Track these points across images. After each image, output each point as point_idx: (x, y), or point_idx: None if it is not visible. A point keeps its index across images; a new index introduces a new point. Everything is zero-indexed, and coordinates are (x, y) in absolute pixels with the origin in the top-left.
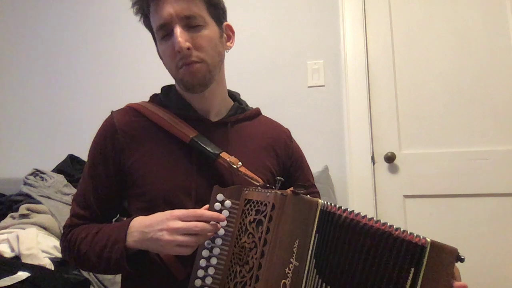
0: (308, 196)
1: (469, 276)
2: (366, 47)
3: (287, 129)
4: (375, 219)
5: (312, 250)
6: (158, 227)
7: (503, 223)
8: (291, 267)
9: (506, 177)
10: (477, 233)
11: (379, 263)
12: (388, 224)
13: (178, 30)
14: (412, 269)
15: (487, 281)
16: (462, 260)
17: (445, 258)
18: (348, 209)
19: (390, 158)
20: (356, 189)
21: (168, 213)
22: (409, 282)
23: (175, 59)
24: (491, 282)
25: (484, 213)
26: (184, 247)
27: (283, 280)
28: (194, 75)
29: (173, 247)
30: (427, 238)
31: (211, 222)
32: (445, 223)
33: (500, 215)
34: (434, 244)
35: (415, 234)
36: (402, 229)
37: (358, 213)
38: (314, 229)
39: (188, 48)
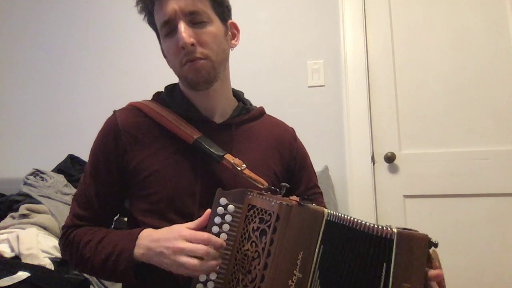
0: (313, 205)
1: (469, 275)
2: (366, 47)
3: (291, 128)
4: (376, 221)
5: (316, 261)
6: (165, 244)
7: (503, 223)
8: (294, 279)
9: (506, 177)
10: (477, 233)
11: (362, 264)
12: (367, 223)
13: (182, 26)
14: (384, 264)
15: (486, 280)
16: (435, 246)
17: (415, 246)
18: (354, 218)
19: (390, 158)
20: (356, 189)
21: (176, 231)
22: (383, 277)
23: (179, 56)
24: (491, 282)
25: (484, 213)
26: (186, 269)
27: None
28: (199, 71)
29: (176, 267)
30: (394, 230)
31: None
32: (445, 223)
33: (500, 215)
34: (401, 234)
35: (384, 227)
36: (375, 225)
37: (362, 221)
38: (319, 241)
39: (192, 44)
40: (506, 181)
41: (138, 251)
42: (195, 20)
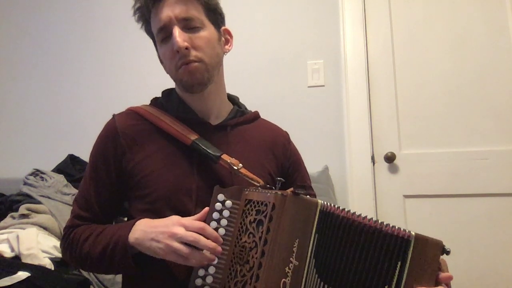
0: (308, 196)
1: (469, 275)
2: (366, 47)
3: (285, 131)
4: (373, 218)
5: (311, 249)
6: (162, 229)
7: (503, 223)
8: (291, 266)
9: (506, 177)
10: (477, 233)
11: (371, 259)
12: (379, 221)
13: (176, 31)
14: (399, 263)
15: (487, 281)
16: (447, 253)
17: (430, 251)
18: (347, 209)
19: (390, 158)
20: (356, 189)
21: (175, 219)
22: (396, 276)
23: (174, 60)
24: (491, 282)
25: (484, 213)
26: (178, 255)
27: (283, 279)
28: (193, 74)
29: (168, 252)
30: (411, 232)
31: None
32: (445, 223)
33: (500, 215)
34: (418, 237)
35: (401, 228)
36: (390, 225)
37: (354, 213)
38: (314, 229)
39: (187, 48)
40: (506, 181)
41: (133, 236)
42: (189, 26)
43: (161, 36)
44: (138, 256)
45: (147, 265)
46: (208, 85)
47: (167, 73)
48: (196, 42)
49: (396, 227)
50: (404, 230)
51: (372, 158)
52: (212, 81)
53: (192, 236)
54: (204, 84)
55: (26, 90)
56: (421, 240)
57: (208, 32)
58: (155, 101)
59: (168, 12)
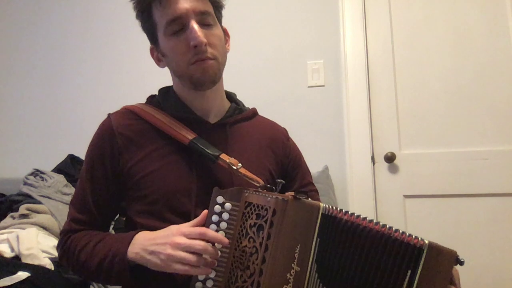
0: (309, 199)
1: (469, 276)
2: (366, 47)
3: (283, 128)
4: (375, 220)
5: (313, 254)
6: (162, 241)
7: (503, 223)
8: (293, 272)
9: (506, 177)
10: (477, 233)
11: (378, 265)
12: (388, 226)
13: (195, 25)
14: (409, 271)
15: (487, 281)
16: (461, 263)
17: (442, 260)
18: (349, 212)
19: (390, 158)
20: (356, 189)
21: (174, 228)
22: (405, 284)
23: (187, 55)
24: (491, 282)
25: (484, 213)
26: (182, 265)
27: (285, 286)
28: (207, 71)
29: (172, 263)
30: (425, 240)
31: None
32: (445, 223)
33: (500, 215)
34: (432, 246)
35: (413, 236)
36: (401, 231)
37: (359, 216)
38: (316, 234)
39: (205, 44)
40: (506, 181)
41: (132, 251)
42: (204, 22)
43: (172, 28)
44: (137, 268)
45: (146, 273)
46: (217, 84)
47: (171, 67)
48: (211, 39)
49: (407, 234)
50: (417, 238)
51: (372, 158)
52: (220, 80)
53: (198, 245)
54: (214, 82)
55: (26, 90)
56: (434, 249)
57: (219, 30)
58: (151, 99)
59: (184, 4)
